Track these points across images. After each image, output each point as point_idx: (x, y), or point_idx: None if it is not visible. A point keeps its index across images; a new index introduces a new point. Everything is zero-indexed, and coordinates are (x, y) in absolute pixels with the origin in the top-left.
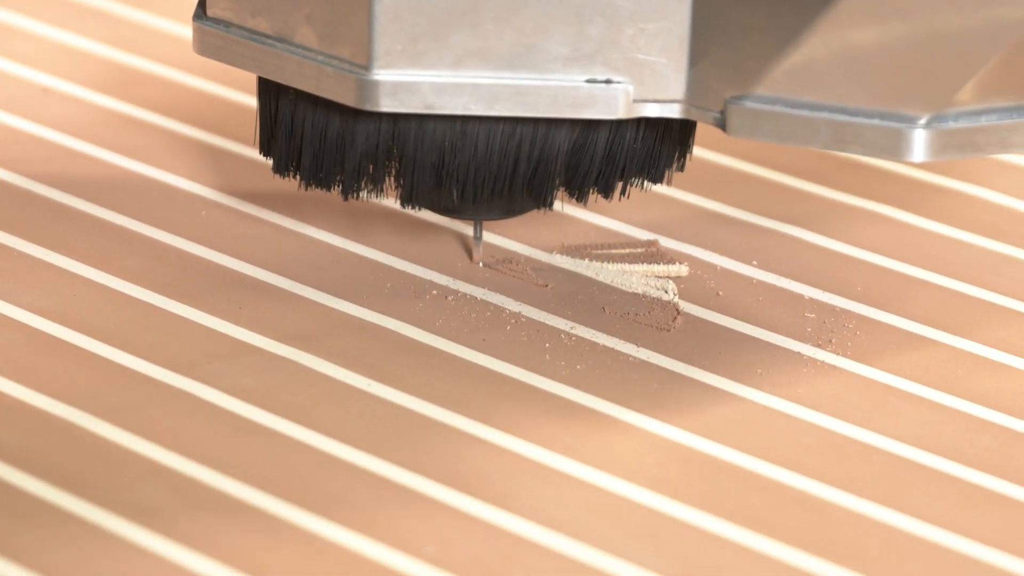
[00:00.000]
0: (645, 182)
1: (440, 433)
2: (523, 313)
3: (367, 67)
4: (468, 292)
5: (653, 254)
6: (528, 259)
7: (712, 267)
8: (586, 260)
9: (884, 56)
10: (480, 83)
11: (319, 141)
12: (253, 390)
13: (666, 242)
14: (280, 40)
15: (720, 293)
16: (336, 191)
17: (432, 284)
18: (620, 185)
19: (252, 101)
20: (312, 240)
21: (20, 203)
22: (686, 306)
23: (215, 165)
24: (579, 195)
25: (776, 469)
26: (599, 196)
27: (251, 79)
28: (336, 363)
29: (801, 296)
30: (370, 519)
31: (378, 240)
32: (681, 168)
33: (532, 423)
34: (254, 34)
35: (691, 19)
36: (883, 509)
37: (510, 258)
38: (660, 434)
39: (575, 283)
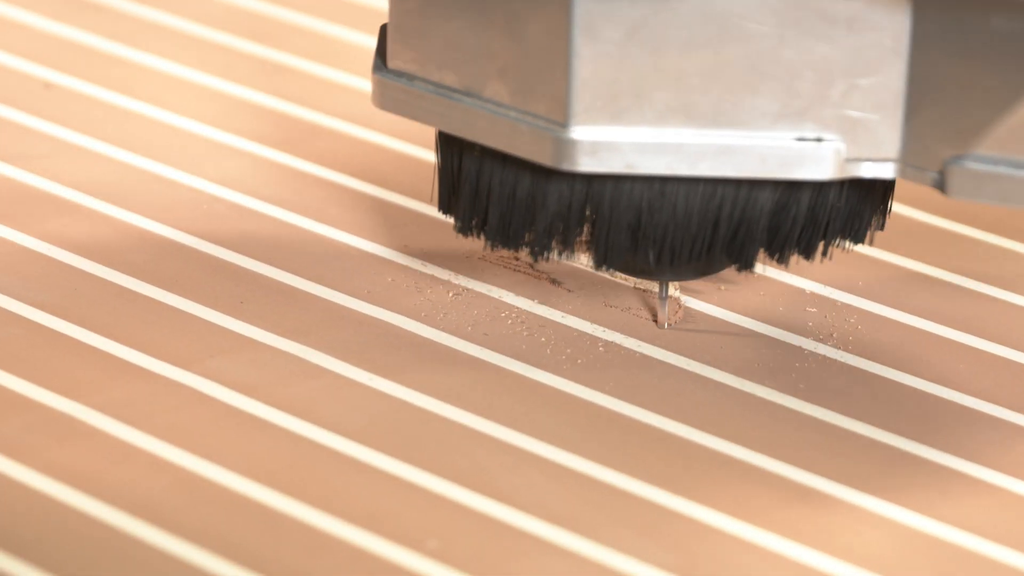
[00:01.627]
0: (847, 243)
1: (442, 427)
2: (524, 308)
3: (564, 124)
4: (470, 287)
5: None
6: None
7: None
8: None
9: None
10: (684, 142)
11: (508, 200)
12: (254, 384)
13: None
14: (468, 94)
15: (722, 287)
16: (524, 252)
17: (434, 279)
18: (822, 246)
19: (251, 94)
20: (313, 234)
21: (21, 197)
22: (687, 301)
23: (215, 159)
24: (780, 257)
25: (776, 463)
26: (800, 259)
27: (253, 71)
28: (337, 357)
29: (802, 290)
30: (372, 513)
31: (379, 235)
32: (881, 227)
33: (533, 417)
34: (440, 88)
35: (907, 74)
36: (884, 503)
37: (514, 253)
38: (661, 428)
39: (577, 278)
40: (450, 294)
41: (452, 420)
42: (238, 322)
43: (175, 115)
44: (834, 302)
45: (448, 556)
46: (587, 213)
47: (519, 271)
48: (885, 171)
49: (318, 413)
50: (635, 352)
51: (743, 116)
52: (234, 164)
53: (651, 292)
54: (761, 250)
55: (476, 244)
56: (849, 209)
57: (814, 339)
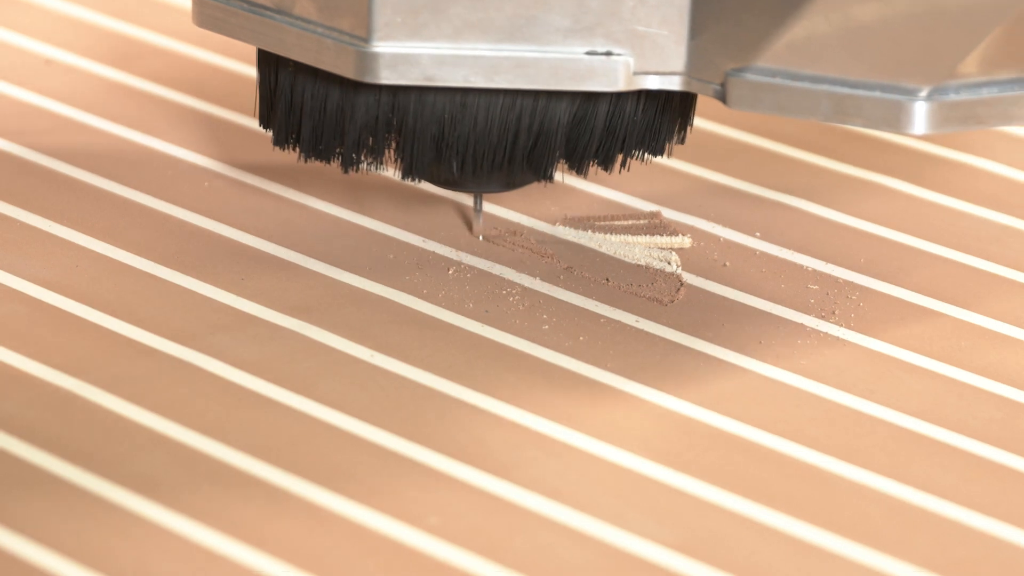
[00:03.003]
0: (646, 155)
1: (442, 404)
2: (526, 285)
3: (367, 39)
4: (471, 264)
5: (656, 226)
6: (531, 231)
7: (715, 239)
8: (589, 232)
9: (886, 29)
10: (480, 55)
11: (319, 113)
12: (256, 361)
13: (669, 214)
14: (279, 12)
15: (726, 264)
16: (336, 163)
17: (435, 256)
18: (621, 158)
19: (254, 73)
20: (315, 212)
21: (22, 174)
22: (689, 277)
23: (217, 136)
24: (579, 167)
25: (779, 440)
26: (599, 169)
27: (253, 51)
28: (339, 334)
29: (804, 268)
30: (373, 490)
31: (381, 212)
32: (682, 141)
33: (534, 394)
34: (253, 6)
35: None
36: (886, 480)
37: (514, 230)
38: (662, 405)
39: (578, 255)
40: (451, 271)
41: (453, 396)
42: (240, 299)
43: (174, 91)
44: (836, 279)
45: (448, 532)
46: (393, 125)
47: (520, 248)
48: (672, 84)
49: (319, 389)
50: (636, 329)
51: (537, 31)
52: (230, 139)
53: (648, 268)
54: (562, 162)
55: (460, 220)
56: (647, 122)
57: (816, 316)
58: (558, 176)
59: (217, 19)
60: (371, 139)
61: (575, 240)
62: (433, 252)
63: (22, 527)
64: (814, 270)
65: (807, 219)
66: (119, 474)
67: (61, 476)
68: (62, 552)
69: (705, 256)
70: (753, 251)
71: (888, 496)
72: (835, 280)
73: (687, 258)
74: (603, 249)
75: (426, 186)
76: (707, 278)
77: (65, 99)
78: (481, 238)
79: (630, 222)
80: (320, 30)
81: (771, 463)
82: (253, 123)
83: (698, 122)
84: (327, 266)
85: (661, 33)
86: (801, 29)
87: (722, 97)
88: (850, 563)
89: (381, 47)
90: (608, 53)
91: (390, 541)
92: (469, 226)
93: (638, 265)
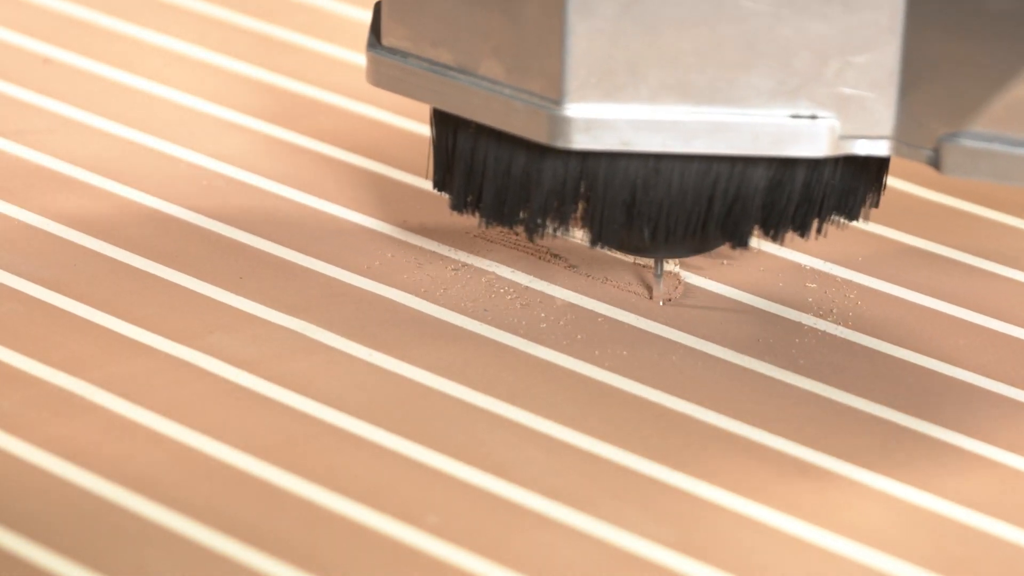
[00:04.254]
0: (841, 220)
1: (441, 403)
2: (524, 284)
3: (559, 101)
4: (470, 262)
5: None
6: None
7: None
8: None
9: None
10: (678, 119)
11: (502, 178)
12: (254, 360)
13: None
14: (462, 72)
15: (725, 262)
16: (519, 229)
17: (434, 255)
18: (817, 223)
19: (250, 69)
20: (313, 210)
21: (20, 173)
22: (687, 276)
23: (216, 133)
24: (775, 234)
25: (776, 438)
26: (796, 235)
27: (252, 47)
28: (337, 333)
29: (802, 266)
30: (371, 489)
31: (379, 210)
32: (876, 204)
33: (533, 393)
34: (434, 65)
35: (902, 51)
36: (884, 479)
37: (514, 230)
38: (660, 403)
39: (577, 254)
40: (450, 270)
41: (452, 395)
42: (238, 298)
43: (174, 90)
44: (834, 278)
45: (447, 531)
46: (582, 190)
47: (519, 247)
48: (879, 148)
49: (318, 389)
50: (634, 328)
51: (738, 93)
52: (233, 139)
53: (649, 268)
54: (756, 227)
55: (475, 220)
56: (844, 186)
57: (814, 315)
58: (754, 244)
59: (395, 79)
60: (557, 204)
61: (574, 239)
62: (432, 251)
63: (20, 526)
64: (812, 268)
65: None
66: (117, 473)
67: (59, 475)
68: (60, 551)
69: (703, 255)
70: (751, 249)
71: (887, 495)
72: (833, 279)
73: (680, 258)
74: (597, 248)
75: (423, 184)
76: (705, 276)
77: (63, 98)
78: (661, 303)
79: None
80: (508, 91)
81: (769, 461)
82: (252, 120)
83: None
84: (326, 265)
85: (869, 95)
86: (1021, 91)
87: (935, 163)
88: (849, 562)
89: (574, 110)
90: (813, 116)
91: (388, 540)
92: (649, 291)
93: (637, 264)
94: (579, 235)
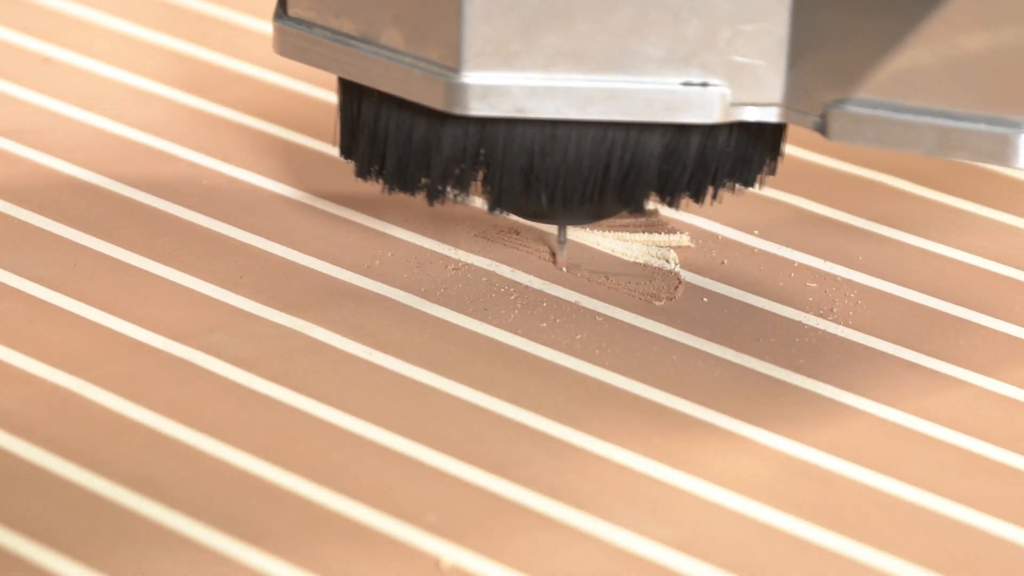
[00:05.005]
0: (736, 186)
1: (441, 402)
2: (524, 283)
3: (456, 69)
4: (470, 262)
5: (654, 223)
6: (531, 229)
7: (714, 236)
8: (587, 230)
9: (993, 60)
10: (573, 86)
11: (404, 144)
12: (254, 359)
13: (667, 211)
14: (364, 41)
15: (725, 261)
16: (421, 195)
17: (434, 254)
18: (712, 189)
19: (251, 70)
20: (312, 209)
21: (21, 172)
22: (687, 275)
23: (215, 133)
24: (670, 200)
25: (776, 438)
26: (691, 201)
27: (253, 48)
28: (337, 332)
29: (803, 265)
30: (371, 487)
31: (379, 209)
32: (772, 172)
33: (532, 392)
34: (337, 35)
35: (791, 21)
36: (884, 478)
37: (514, 229)
38: (660, 403)
39: (576, 253)
40: (450, 269)
41: (451, 394)
42: (238, 297)
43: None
44: (834, 277)
45: (447, 530)
46: (481, 156)
47: (520, 247)
48: (769, 115)
49: (317, 387)
50: (634, 327)
51: (631, 61)
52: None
53: (647, 266)
54: (652, 193)
55: (474, 220)
56: (738, 153)
57: (814, 314)
58: (649, 206)
59: (300, 48)
60: (458, 170)
61: (573, 238)
62: (432, 250)
63: (20, 525)
64: (812, 268)
65: (805, 217)
66: (117, 472)
67: (59, 474)
68: (60, 550)
69: (703, 254)
70: (751, 249)
71: (887, 494)
72: (833, 278)
73: (685, 256)
74: (601, 247)
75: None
76: (705, 276)
77: (63, 97)
78: (564, 269)
79: (628, 220)
80: (407, 60)
81: (769, 461)
82: (252, 120)
83: None
84: (325, 264)
85: (759, 63)
86: (905, 59)
87: (822, 129)
88: (849, 561)
89: (471, 78)
90: (704, 84)
91: (388, 538)
92: (553, 257)
93: (636, 263)
94: (479, 201)
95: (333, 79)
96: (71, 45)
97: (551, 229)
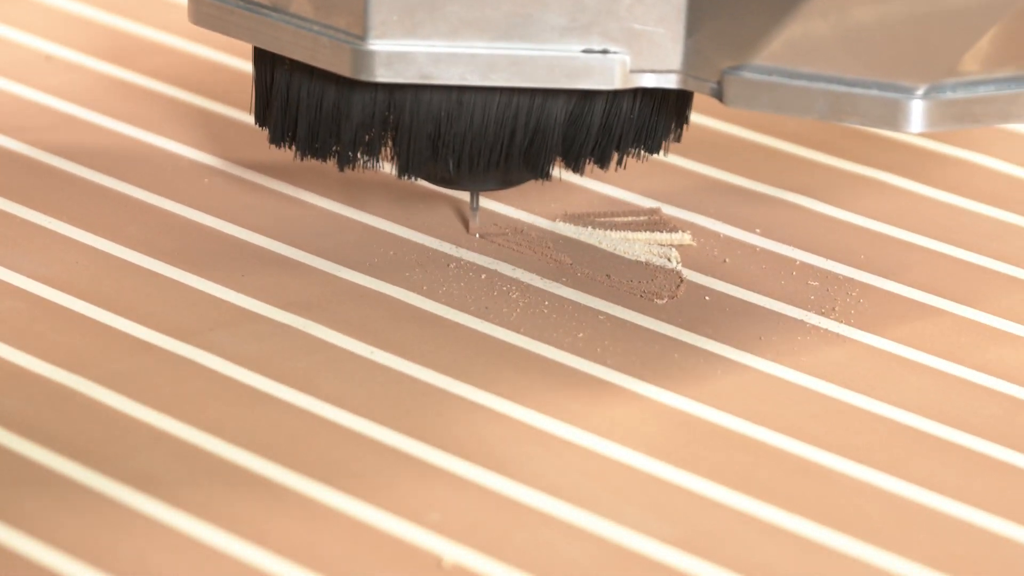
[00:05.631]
0: (642, 152)
1: (442, 400)
2: (525, 281)
3: (363, 37)
4: (471, 260)
5: (656, 222)
6: (531, 227)
7: (715, 235)
8: (589, 228)
9: (882, 27)
10: (476, 53)
11: (315, 111)
12: (255, 358)
13: (669, 210)
14: (275, 10)
15: (727, 260)
16: (332, 162)
17: (435, 252)
18: (617, 156)
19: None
20: (314, 208)
21: (22, 171)
22: (689, 274)
23: (217, 133)
24: (576, 166)
25: (779, 436)
26: (595, 166)
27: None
28: (338, 330)
29: (804, 264)
30: (372, 486)
31: (380, 208)
32: (678, 139)
33: (534, 391)
34: (249, 4)
35: None
36: (886, 476)
37: (515, 227)
38: (662, 401)
39: (578, 251)
40: (451, 267)
41: (453, 393)
42: (239, 295)
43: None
44: (836, 275)
45: (448, 528)
46: (390, 123)
47: (520, 246)
48: (668, 81)
49: (319, 386)
50: (636, 325)
51: (533, 29)
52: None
53: (648, 264)
54: (557, 158)
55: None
56: (643, 121)
57: (816, 312)
58: (555, 174)
59: (213, 17)
60: (367, 137)
61: (575, 237)
62: (433, 249)
63: (22, 523)
64: (814, 266)
65: (807, 216)
66: (119, 470)
67: (61, 472)
68: (61, 548)
69: (705, 252)
70: (753, 248)
71: (888, 492)
72: (835, 276)
73: (687, 254)
74: (603, 245)
75: (425, 183)
76: (707, 274)
77: (65, 95)
78: (478, 236)
79: (630, 218)
80: (316, 28)
81: (771, 459)
82: (252, 120)
83: (698, 118)
84: (327, 262)
85: (657, 31)
86: (798, 27)
87: (719, 95)
88: (850, 559)
89: (377, 45)
90: (604, 51)
91: (390, 537)
92: (466, 224)
93: (638, 261)
94: (387, 167)
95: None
96: (73, 43)
97: (466, 196)
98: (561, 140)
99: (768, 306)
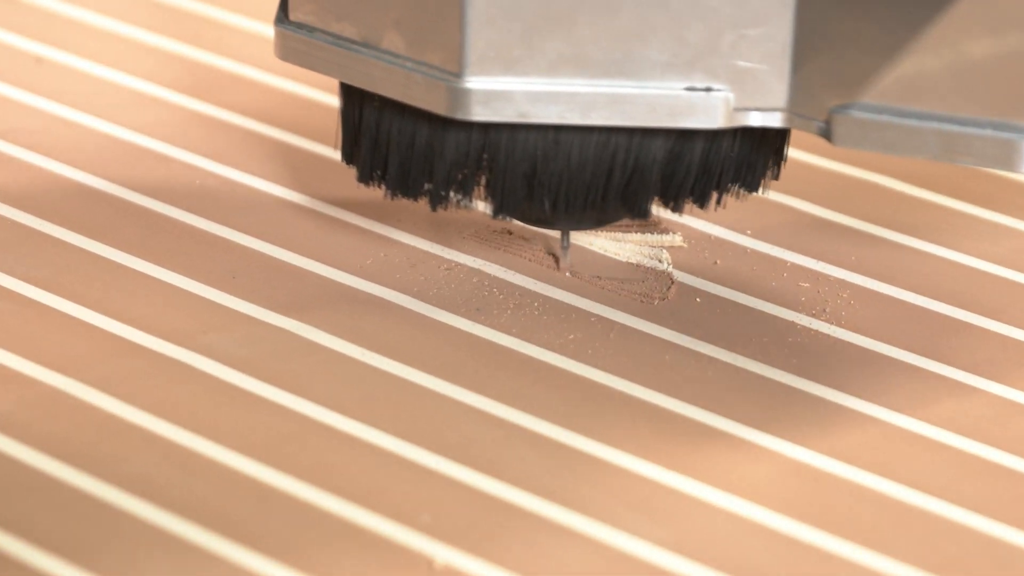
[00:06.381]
0: (741, 190)
1: (434, 402)
2: (517, 283)
3: (458, 74)
4: (462, 262)
5: (647, 224)
6: (523, 229)
7: (706, 236)
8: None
9: (997, 65)
10: (576, 91)
11: (406, 150)
12: (247, 360)
13: (668, 214)
14: (365, 45)
15: (717, 262)
16: (423, 201)
17: (427, 254)
18: (716, 194)
19: (249, 71)
20: (306, 210)
21: (13, 173)
22: (680, 275)
23: (210, 134)
24: (675, 205)
25: (769, 438)
26: (695, 206)
27: (249, 48)
28: (330, 333)
29: (795, 265)
30: (364, 488)
31: (372, 210)
32: (776, 176)
33: (526, 392)
34: (338, 39)
35: (794, 25)
36: (877, 478)
37: (507, 230)
38: (653, 403)
39: (579, 257)
40: (443, 269)
41: (444, 395)
42: (231, 297)
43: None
44: (827, 277)
45: (440, 530)
46: (484, 162)
47: (512, 248)
48: (773, 120)
49: (311, 388)
50: (628, 327)
51: (634, 66)
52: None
53: (640, 266)
54: (655, 198)
55: (475, 225)
56: (742, 158)
57: (807, 314)
58: (654, 211)
59: (300, 52)
60: (460, 176)
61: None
62: (425, 251)
63: (13, 526)
64: (805, 268)
65: (797, 217)
66: (111, 473)
67: (52, 475)
68: (53, 550)
69: (696, 254)
70: (744, 249)
71: (879, 494)
72: (826, 278)
73: (678, 256)
74: (594, 247)
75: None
76: (698, 276)
77: (56, 97)
78: (568, 274)
79: (622, 220)
80: (409, 65)
81: (762, 461)
82: (246, 121)
83: None
84: (319, 264)
85: (762, 68)
86: (910, 65)
87: (826, 134)
88: (842, 561)
89: (473, 83)
90: (708, 89)
91: (381, 539)
92: (556, 261)
93: (629, 263)
94: (482, 206)
95: (333, 82)
96: (64, 46)
97: (554, 234)
98: (660, 179)
99: (759, 308)
